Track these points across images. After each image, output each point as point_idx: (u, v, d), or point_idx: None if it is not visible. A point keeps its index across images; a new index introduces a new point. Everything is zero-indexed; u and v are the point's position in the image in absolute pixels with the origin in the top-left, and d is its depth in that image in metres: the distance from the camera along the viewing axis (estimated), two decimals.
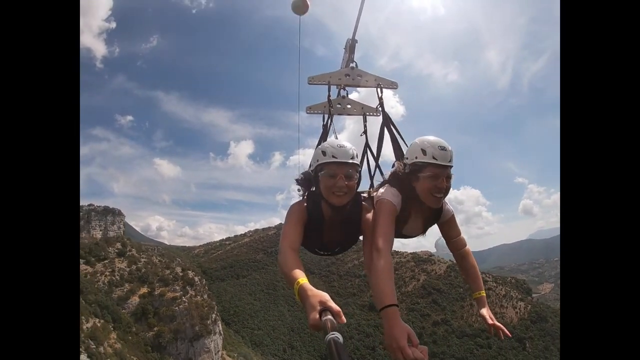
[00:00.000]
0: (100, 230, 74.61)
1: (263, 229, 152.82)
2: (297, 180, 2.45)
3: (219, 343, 58.41)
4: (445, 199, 2.39)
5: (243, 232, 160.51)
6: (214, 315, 59.71)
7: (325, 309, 1.47)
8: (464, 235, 2.64)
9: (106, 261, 64.47)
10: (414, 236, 2.68)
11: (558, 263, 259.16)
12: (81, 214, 70.96)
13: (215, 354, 56.33)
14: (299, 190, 2.44)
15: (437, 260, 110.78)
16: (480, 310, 2.51)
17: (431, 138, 2.30)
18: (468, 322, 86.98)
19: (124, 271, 63.68)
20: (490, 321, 2.42)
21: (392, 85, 3.77)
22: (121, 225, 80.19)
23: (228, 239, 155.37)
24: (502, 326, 2.40)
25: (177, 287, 61.11)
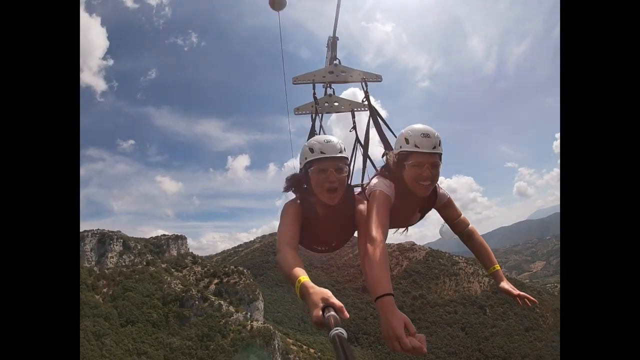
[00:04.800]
0: (175, 250, 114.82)
1: (270, 234, 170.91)
2: (287, 180, 2.38)
3: (262, 306, 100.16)
4: (440, 184, 2.38)
5: (252, 239, 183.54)
6: (257, 290, 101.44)
7: (327, 305, 1.44)
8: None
9: (188, 268, 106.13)
10: (412, 224, 2.65)
11: (550, 241, 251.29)
12: (162, 241, 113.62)
13: (261, 312, 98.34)
14: (287, 189, 2.38)
15: (419, 249, 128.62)
16: (500, 285, 2.43)
17: (416, 126, 2.26)
18: (440, 295, 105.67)
19: (201, 272, 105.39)
20: (515, 292, 2.37)
21: (377, 79, 3.69)
22: (187, 245, 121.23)
23: (240, 246, 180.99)
24: (526, 294, 2.36)
25: (235, 276, 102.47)
